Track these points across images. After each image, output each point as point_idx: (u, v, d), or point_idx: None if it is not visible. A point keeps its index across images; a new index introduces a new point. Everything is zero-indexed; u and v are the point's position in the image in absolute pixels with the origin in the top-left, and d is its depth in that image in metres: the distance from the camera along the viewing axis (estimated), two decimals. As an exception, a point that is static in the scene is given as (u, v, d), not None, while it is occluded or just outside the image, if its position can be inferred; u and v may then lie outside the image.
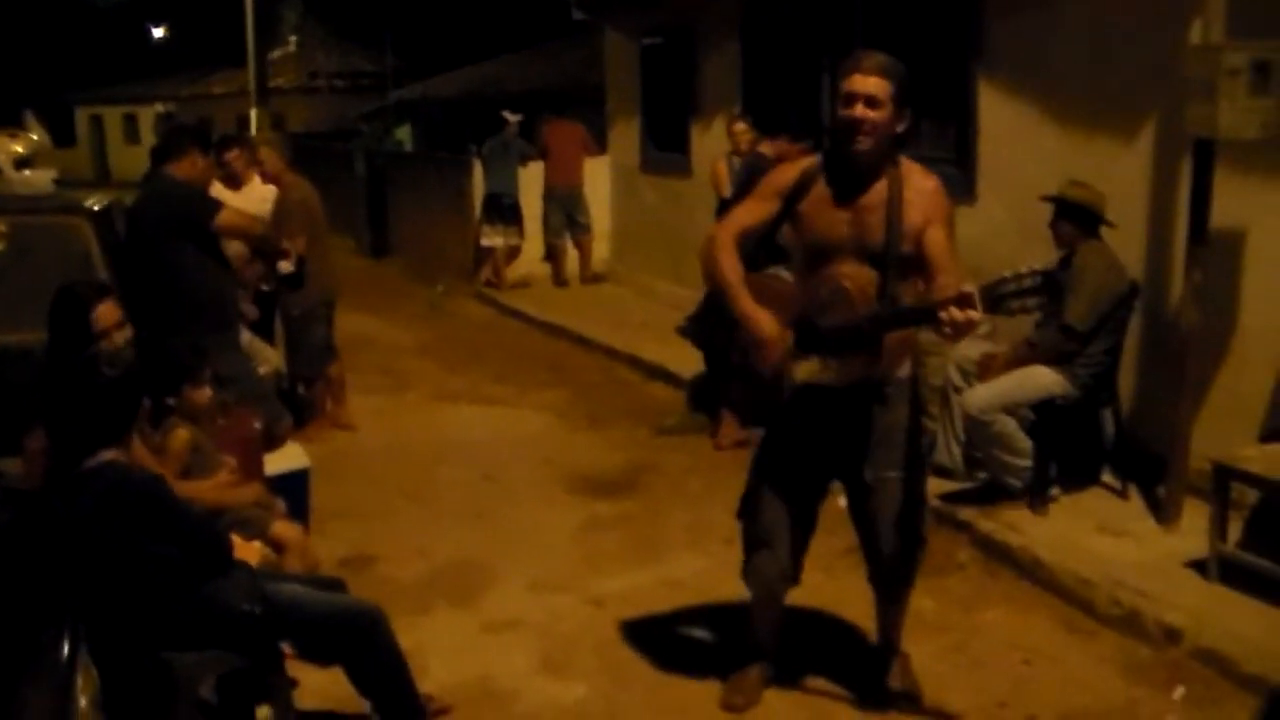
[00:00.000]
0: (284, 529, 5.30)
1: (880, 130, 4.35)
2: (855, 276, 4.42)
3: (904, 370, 4.65)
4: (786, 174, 4.70)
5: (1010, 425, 6.56)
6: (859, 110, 4.33)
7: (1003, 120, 8.33)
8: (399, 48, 32.82)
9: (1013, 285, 3.86)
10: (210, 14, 38.27)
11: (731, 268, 4.60)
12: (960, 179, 8.64)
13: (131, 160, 36.65)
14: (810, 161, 4.68)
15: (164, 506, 4.12)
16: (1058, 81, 7.82)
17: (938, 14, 8.97)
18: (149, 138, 36.65)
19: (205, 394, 5.40)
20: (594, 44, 16.62)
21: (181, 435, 5.18)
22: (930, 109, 9.15)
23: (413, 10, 35.31)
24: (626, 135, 14.89)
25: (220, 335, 6.89)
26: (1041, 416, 6.63)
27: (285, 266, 8.07)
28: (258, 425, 6.09)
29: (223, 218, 7.01)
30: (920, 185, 4.46)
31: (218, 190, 8.88)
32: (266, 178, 9.03)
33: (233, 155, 9.28)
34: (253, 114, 20.87)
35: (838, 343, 4.43)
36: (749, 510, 4.92)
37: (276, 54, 37.77)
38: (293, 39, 41.43)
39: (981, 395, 6.64)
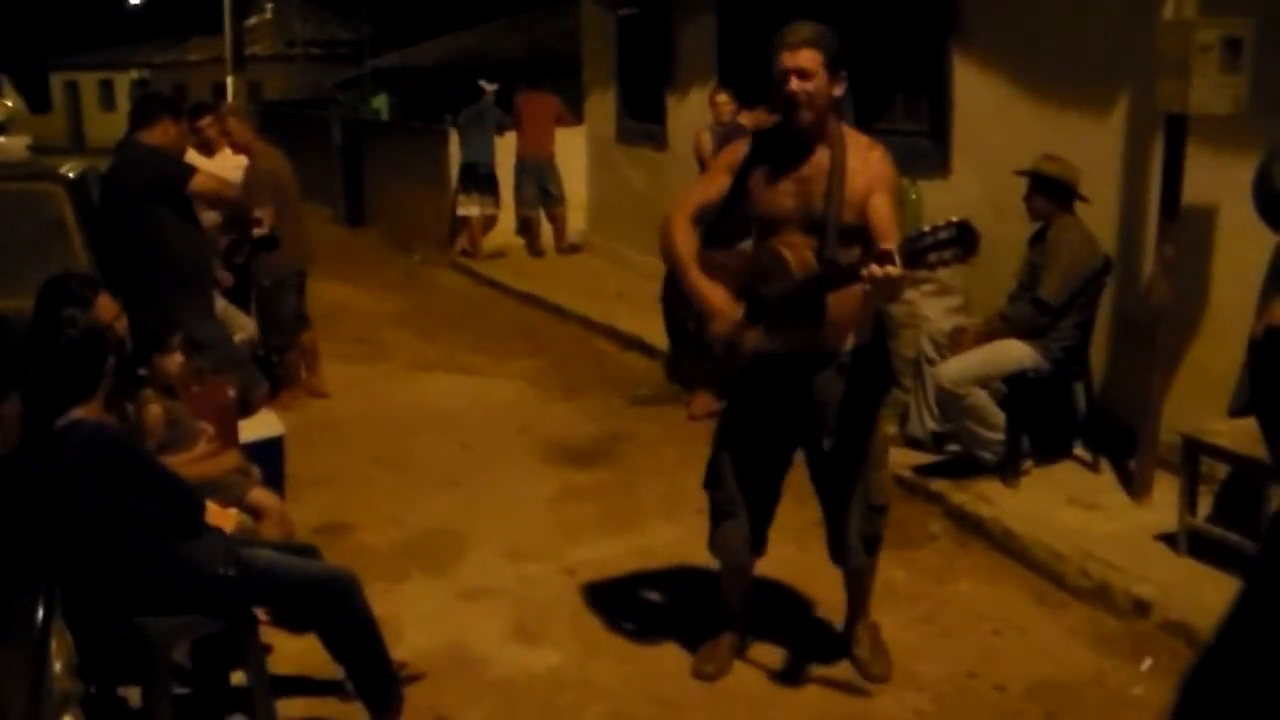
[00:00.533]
0: (261, 496, 5.31)
1: (817, 100, 4.44)
2: (796, 245, 4.46)
3: (851, 341, 4.65)
4: (737, 150, 4.79)
5: (983, 398, 6.61)
6: (794, 84, 4.42)
7: (977, 95, 8.35)
8: (376, 16, 32.72)
9: (929, 239, 3.89)
10: (187, -20, 38.09)
11: (685, 245, 4.70)
12: (934, 152, 8.69)
13: (107, 127, 36.54)
14: (750, 141, 4.81)
15: (135, 459, 4.16)
16: (1032, 56, 7.84)
17: (915, -13, 8.99)
18: (125, 104, 36.45)
19: (176, 361, 5.38)
20: (571, 14, 16.59)
21: (155, 411, 5.15)
22: (905, 83, 9.20)
23: (390, -22, 35.16)
24: (603, 106, 14.88)
25: (195, 301, 6.90)
26: (1013, 389, 6.67)
27: (258, 230, 8.09)
28: (232, 392, 6.09)
29: (197, 181, 7.00)
30: (864, 154, 4.53)
31: (191, 157, 8.87)
32: (236, 147, 9.03)
33: (206, 123, 9.27)
34: (229, 81, 20.75)
35: (779, 310, 4.46)
36: (713, 480, 4.96)
37: (253, 21, 37.70)
38: (269, 6, 41.31)
39: (954, 368, 6.68)
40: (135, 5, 49.43)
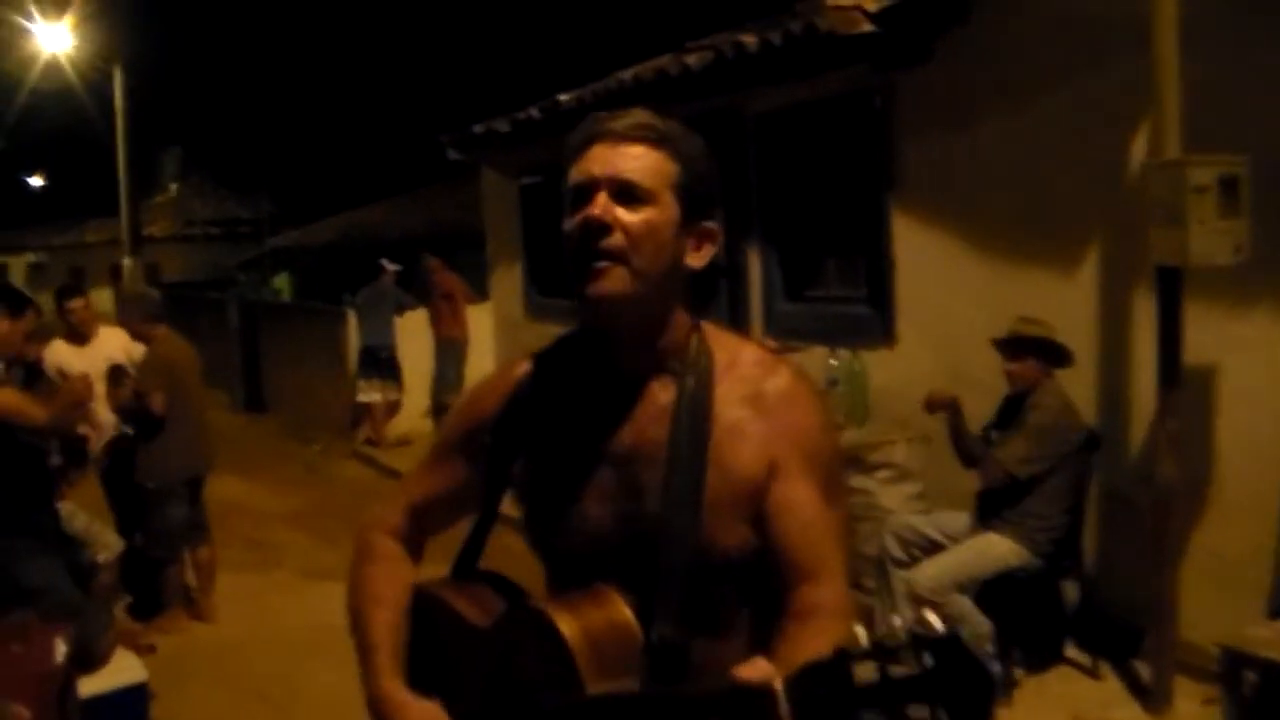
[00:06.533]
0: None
1: (646, 253, 2.08)
2: (598, 613, 2.03)
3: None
4: (483, 403, 2.41)
5: (966, 606, 5.71)
6: (599, 208, 2.09)
7: (922, 253, 7.60)
8: (275, 194, 32.74)
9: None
10: (88, 163, 38.11)
11: (376, 605, 2.34)
12: (876, 320, 7.91)
13: None
14: (523, 371, 2.36)
15: None
16: (979, 208, 7.16)
17: (842, 140, 8.26)
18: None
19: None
20: (472, 188, 15.99)
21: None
22: (839, 244, 8.46)
23: (289, 156, 35.25)
24: (508, 280, 14.07)
25: (20, 539, 5.78)
26: (994, 587, 5.80)
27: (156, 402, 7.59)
28: (62, 652, 5.08)
29: None
30: (754, 388, 2.13)
31: (58, 346, 8.18)
32: (136, 335, 8.24)
33: (76, 304, 8.36)
34: (126, 263, 20.40)
35: None
36: None
37: (158, 199, 38.10)
38: (173, 186, 41.82)
39: (930, 573, 5.80)
40: (37, 188, 49.28)
